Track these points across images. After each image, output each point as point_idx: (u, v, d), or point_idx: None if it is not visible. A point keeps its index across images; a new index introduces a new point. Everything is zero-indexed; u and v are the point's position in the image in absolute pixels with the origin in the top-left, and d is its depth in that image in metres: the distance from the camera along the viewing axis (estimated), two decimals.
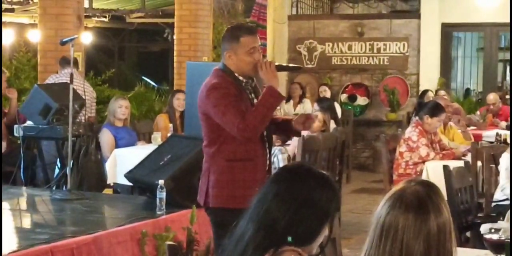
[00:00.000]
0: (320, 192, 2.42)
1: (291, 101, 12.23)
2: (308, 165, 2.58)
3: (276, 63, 4.34)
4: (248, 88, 4.40)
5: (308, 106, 12.01)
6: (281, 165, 6.86)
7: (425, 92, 11.61)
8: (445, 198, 5.51)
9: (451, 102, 9.89)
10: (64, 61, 8.37)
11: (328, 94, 12.41)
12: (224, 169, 4.31)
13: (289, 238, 2.33)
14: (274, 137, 5.61)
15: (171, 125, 8.45)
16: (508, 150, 5.93)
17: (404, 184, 2.26)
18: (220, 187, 4.32)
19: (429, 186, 2.27)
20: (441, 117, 7.47)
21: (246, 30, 4.38)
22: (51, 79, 8.42)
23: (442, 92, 11.20)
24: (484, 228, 3.57)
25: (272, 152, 4.78)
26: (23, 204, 5.94)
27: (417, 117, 7.57)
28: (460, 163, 6.11)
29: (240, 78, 4.36)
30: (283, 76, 13.78)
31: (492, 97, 11.24)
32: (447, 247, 2.19)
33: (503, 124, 10.42)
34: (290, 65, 5.08)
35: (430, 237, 2.17)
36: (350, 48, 13.67)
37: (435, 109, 7.50)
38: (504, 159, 5.91)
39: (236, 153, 4.30)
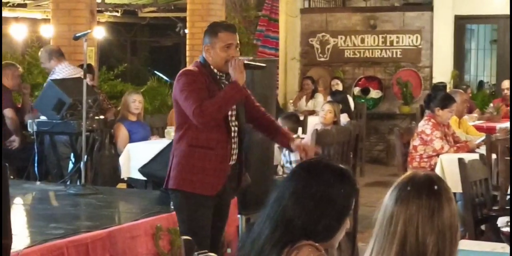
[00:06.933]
0: (338, 188, 2.38)
1: (304, 97, 12.19)
2: (326, 160, 2.52)
3: (245, 61, 4.55)
4: (224, 82, 4.57)
5: (320, 100, 11.93)
6: (292, 159, 6.89)
7: (437, 86, 11.49)
8: (460, 190, 5.49)
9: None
10: (50, 55, 8.02)
11: (340, 87, 12.36)
12: (185, 153, 4.50)
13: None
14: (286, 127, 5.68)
15: None
16: None
17: (411, 173, 2.24)
18: (180, 170, 4.49)
19: (438, 176, 2.25)
20: (452, 107, 7.42)
21: (224, 27, 4.61)
22: (52, 76, 8.08)
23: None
24: (501, 221, 3.55)
25: None
26: (37, 199, 5.95)
27: (429, 110, 7.50)
28: (475, 156, 6.08)
29: (215, 71, 4.55)
30: (295, 69, 13.77)
31: (506, 83, 11.07)
32: (454, 243, 2.11)
33: None
34: (256, 63, 4.94)
35: (444, 222, 2.10)
36: (362, 41, 13.61)
37: (445, 101, 7.42)
38: None
39: (198, 140, 4.49)
